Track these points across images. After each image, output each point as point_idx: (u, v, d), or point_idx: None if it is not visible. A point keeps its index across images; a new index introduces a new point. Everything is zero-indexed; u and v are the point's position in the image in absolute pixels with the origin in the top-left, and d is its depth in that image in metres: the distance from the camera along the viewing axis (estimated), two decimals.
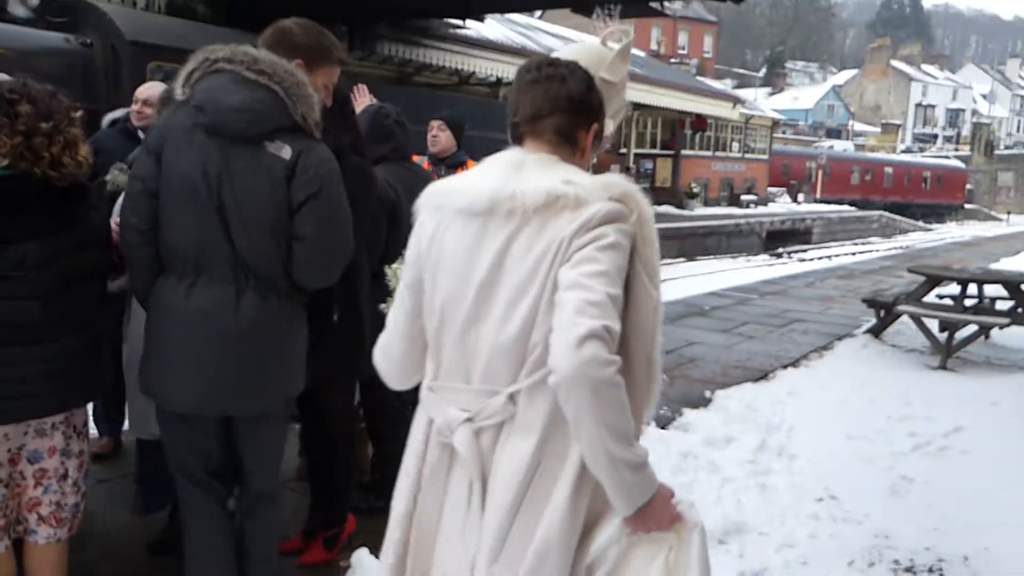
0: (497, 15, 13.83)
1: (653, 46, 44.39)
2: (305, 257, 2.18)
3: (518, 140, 1.57)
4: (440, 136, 4.33)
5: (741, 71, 69.74)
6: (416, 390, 1.77)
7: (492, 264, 1.43)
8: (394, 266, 2.74)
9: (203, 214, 2.11)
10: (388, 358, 1.68)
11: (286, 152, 2.15)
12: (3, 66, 5.35)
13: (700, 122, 25.47)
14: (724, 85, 40.28)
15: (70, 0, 6.54)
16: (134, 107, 3.70)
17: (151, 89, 3.63)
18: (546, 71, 1.54)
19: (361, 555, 2.85)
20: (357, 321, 2.83)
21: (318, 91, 2.37)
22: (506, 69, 14.63)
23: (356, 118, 2.90)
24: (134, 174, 2.23)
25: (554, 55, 1.66)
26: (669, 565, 1.45)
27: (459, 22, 12.31)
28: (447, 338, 1.51)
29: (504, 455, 1.45)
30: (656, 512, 1.42)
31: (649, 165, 25.77)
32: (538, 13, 19.23)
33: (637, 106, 21.59)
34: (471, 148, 4.62)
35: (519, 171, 1.46)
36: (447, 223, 1.51)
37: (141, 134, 3.54)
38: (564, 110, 1.52)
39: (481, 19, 11.26)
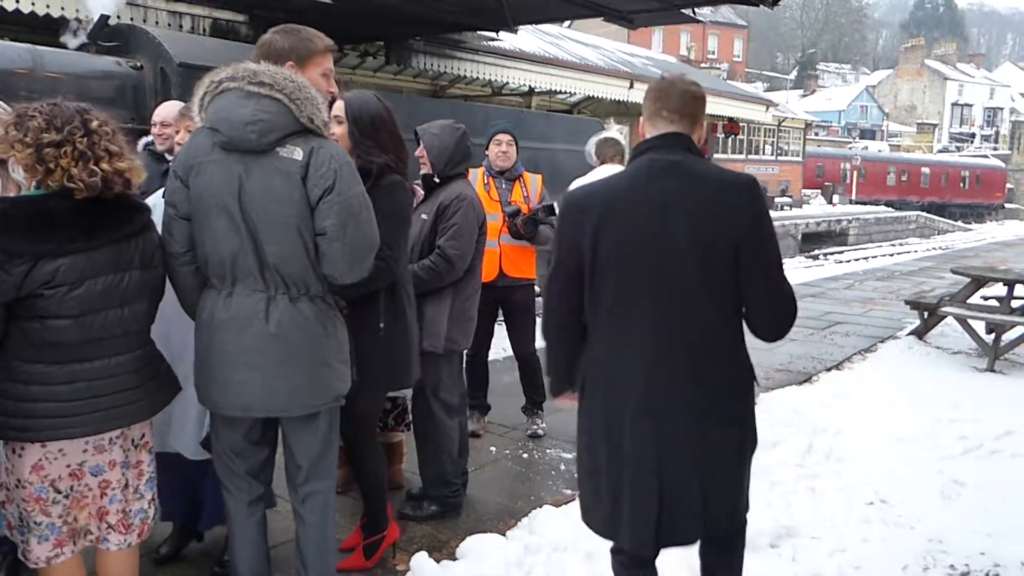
0: (529, 26, 13.93)
1: (683, 51, 44.19)
2: (331, 250, 2.28)
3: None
4: (510, 151, 4.50)
5: (771, 74, 69.18)
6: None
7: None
8: None
9: (234, 228, 2.24)
10: None
11: (298, 154, 2.25)
12: (58, 89, 5.57)
13: (732, 126, 25.31)
14: (755, 88, 39.92)
15: (121, 25, 6.77)
16: (154, 129, 3.76)
17: (165, 110, 3.69)
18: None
19: (420, 559, 2.92)
20: (402, 332, 2.90)
21: (318, 83, 2.46)
22: (538, 79, 14.71)
23: (392, 137, 2.89)
24: (167, 201, 2.33)
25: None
26: None
27: (493, 34, 12.41)
28: None
29: None
30: None
31: None
32: (567, 23, 19.31)
33: None
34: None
35: None
36: None
37: (168, 156, 3.58)
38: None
39: (515, 31, 11.33)
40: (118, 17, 6.95)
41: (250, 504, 2.49)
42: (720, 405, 2.09)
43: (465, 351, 3.73)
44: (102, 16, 6.40)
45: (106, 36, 6.45)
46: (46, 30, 7.04)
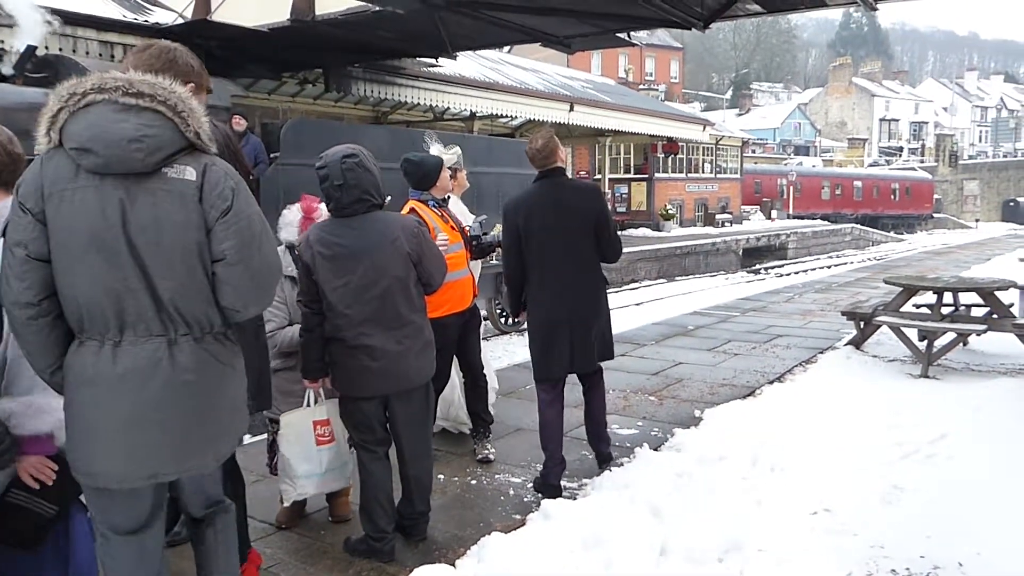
0: (468, 51, 14.02)
1: (621, 74, 45.01)
2: (231, 276, 2.02)
3: None
4: None
5: (708, 94, 70.84)
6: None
7: None
8: None
9: (116, 264, 1.93)
10: None
11: (190, 173, 1.99)
12: None
13: (671, 145, 25.82)
14: (692, 108, 40.84)
15: (49, 56, 6.60)
16: None
17: None
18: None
19: None
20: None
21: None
22: (479, 103, 14.79)
23: (234, 158, 2.58)
24: (13, 240, 1.92)
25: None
26: None
27: (432, 60, 12.45)
28: None
29: None
30: None
31: (624, 190, 26.10)
32: (507, 48, 19.52)
33: (609, 133, 21.84)
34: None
35: None
36: None
37: None
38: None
39: (454, 57, 11.39)
40: (46, 47, 6.79)
41: (142, 548, 2.13)
42: (597, 304, 4.10)
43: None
44: (28, 47, 6.23)
45: (34, 67, 6.27)
46: None
